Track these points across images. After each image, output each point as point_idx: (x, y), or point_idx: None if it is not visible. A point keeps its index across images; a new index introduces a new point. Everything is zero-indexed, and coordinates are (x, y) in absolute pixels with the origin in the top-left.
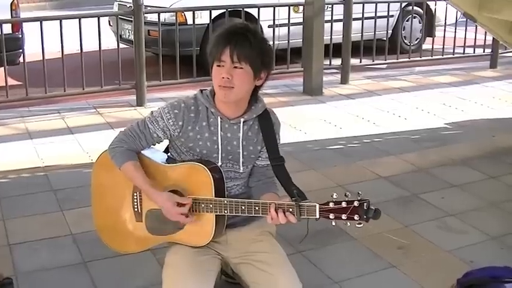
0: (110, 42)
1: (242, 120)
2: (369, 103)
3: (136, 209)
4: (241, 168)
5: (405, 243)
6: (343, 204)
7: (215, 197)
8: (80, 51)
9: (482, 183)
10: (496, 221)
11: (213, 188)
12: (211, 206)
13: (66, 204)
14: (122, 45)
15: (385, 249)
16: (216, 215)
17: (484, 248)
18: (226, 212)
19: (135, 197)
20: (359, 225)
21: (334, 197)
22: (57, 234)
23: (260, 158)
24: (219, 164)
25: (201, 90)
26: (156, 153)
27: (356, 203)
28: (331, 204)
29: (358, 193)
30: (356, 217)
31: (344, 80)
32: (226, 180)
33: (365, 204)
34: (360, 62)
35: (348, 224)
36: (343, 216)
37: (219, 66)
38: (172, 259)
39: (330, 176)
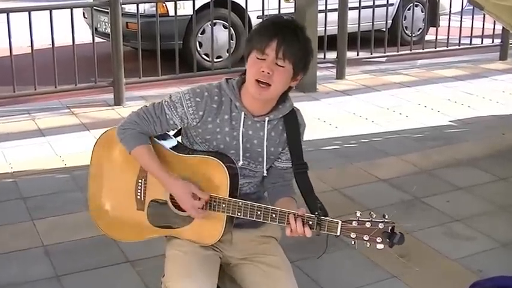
0: (84, 35)
1: (267, 119)
2: (367, 100)
3: (139, 197)
4: (260, 168)
5: (407, 252)
6: (367, 225)
7: (229, 196)
8: (51, 46)
9: (490, 186)
10: (506, 227)
11: (228, 186)
12: (224, 206)
13: (37, 213)
14: (97, 39)
15: (385, 258)
16: (227, 216)
17: (493, 255)
18: (239, 214)
19: (140, 184)
20: (380, 247)
21: (358, 215)
22: (27, 246)
23: (280, 160)
24: (240, 163)
25: (227, 80)
26: (165, 138)
27: (381, 226)
28: (354, 223)
29: (384, 215)
30: (378, 240)
31: (340, 75)
32: (239, 177)
33: (390, 228)
34: (357, 55)
35: (368, 244)
36: (365, 237)
37: (259, 59)
38: (176, 254)
39: (325, 179)
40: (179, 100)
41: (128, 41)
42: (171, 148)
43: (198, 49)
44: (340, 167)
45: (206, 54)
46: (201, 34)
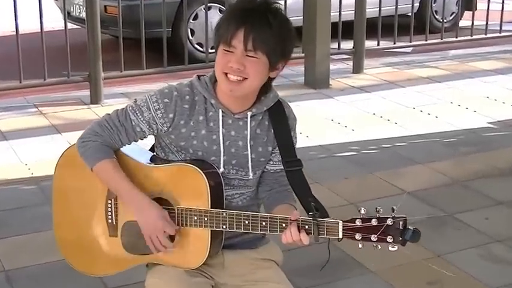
0: (55, 21)
1: (249, 114)
2: (389, 97)
3: (110, 221)
4: (249, 175)
5: (438, 278)
6: (373, 222)
7: (212, 207)
8: (15, 33)
9: None
10: None
11: (209, 196)
12: (206, 219)
13: None
14: (70, 26)
15: (411, 286)
16: (211, 231)
17: None
18: (224, 227)
19: (110, 206)
20: (392, 249)
21: (362, 212)
22: None
23: (271, 162)
24: (221, 170)
25: (198, 76)
26: (138, 151)
27: (389, 221)
28: (358, 222)
29: (393, 208)
30: (389, 239)
31: (357, 69)
32: (227, 187)
33: (401, 222)
34: (378, 44)
35: (379, 247)
36: (373, 237)
37: (227, 51)
38: (155, 283)
39: (339, 192)
40: (145, 103)
41: (106, 28)
42: (145, 161)
43: (190, 38)
44: (357, 177)
45: (199, 44)
46: (193, 20)
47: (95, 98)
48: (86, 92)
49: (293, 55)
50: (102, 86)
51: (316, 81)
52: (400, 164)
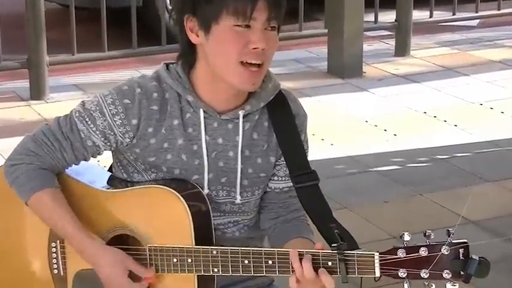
0: None
1: (241, 113)
2: (445, 90)
3: (56, 272)
4: (238, 197)
5: None
6: (423, 252)
7: (197, 243)
8: None
9: None
10: None
11: (192, 228)
12: (189, 260)
13: None
14: None
15: None
16: (198, 276)
17: None
18: (216, 270)
19: (55, 251)
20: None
21: (406, 239)
22: None
23: (276, 177)
24: (206, 191)
25: (167, 65)
26: (90, 172)
27: (445, 250)
28: (401, 253)
29: (448, 232)
30: (446, 274)
31: (401, 50)
32: (216, 214)
33: (461, 251)
34: (430, 16)
35: (433, 286)
36: (423, 273)
37: (241, 26)
38: None
39: (376, 219)
40: (97, 107)
41: None
42: (100, 185)
43: (168, 8)
44: (400, 200)
45: None
46: None
47: (36, 92)
48: (25, 83)
49: (312, 32)
50: (47, 75)
51: (345, 68)
52: (461, 182)
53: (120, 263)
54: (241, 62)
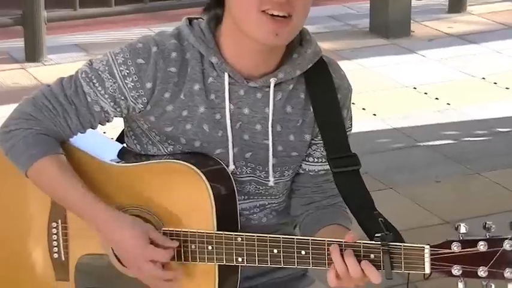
0: None
1: (273, 81)
2: (507, 51)
3: (57, 256)
4: (271, 179)
5: None
6: (481, 247)
7: (219, 228)
8: None
9: None
10: None
11: (214, 211)
12: (210, 248)
13: None
14: None
15: None
16: (219, 266)
17: None
18: (240, 259)
19: (55, 232)
20: None
21: (462, 231)
22: None
23: (311, 158)
24: (231, 168)
25: (190, 20)
26: (97, 142)
27: (508, 245)
28: (456, 247)
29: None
30: (509, 273)
31: (456, 5)
32: (240, 197)
33: None
34: None
35: (492, 286)
36: (481, 271)
37: None
38: None
39: (426, 202)
40: (107, 67)
41: None
42: (110, 158)
43: None
44: (455, 180)
45: None
46: None
47: (32, 53)
48: (19, 43)
49: None
50: (45, 33)
51: (390, 27)
52: None
53: (140, 228)
54: (263, 11)
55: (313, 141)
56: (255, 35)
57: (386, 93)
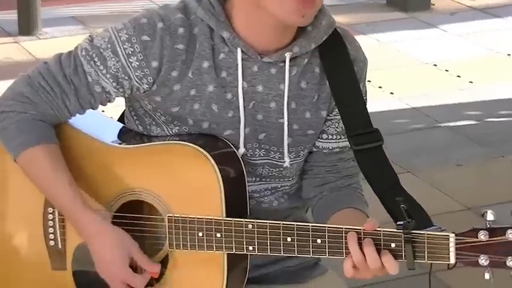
0: None
1: (288, 56)
2: None
3: (53, 243)
4: (287, 160)
5: None
6: (510, 235)
7: (228, 215)
8: None
9: None
10: None
11: (223, 195)
12: (218, 235)
13: None
14: None
15: None
16: (228, 255)
17: None
18: (251, 248)
19: (51, 218)
20: None
21: (490, 218)
22: None
23: (325, 135)
24: (241, 151)
25: None
26: (97, 122)
27: None
28: (483, 235)
29: None
30: None
31: None
32: (251, 179)
33: None
34: None
35: None
36: (510, 261)
37: None
38: None
39: (448, 187)
40: (109, 44)
41: None
42: (111, 139)
43: None
44: (477, 163)
45: None
46: None
47: (26, 25)
48: (12, 15)
49: None
50: (40, 5)
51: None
52: None
53: (123, 247)
54: None
55: (328, 117)
56: (276, 12)
57: (405, 70)
